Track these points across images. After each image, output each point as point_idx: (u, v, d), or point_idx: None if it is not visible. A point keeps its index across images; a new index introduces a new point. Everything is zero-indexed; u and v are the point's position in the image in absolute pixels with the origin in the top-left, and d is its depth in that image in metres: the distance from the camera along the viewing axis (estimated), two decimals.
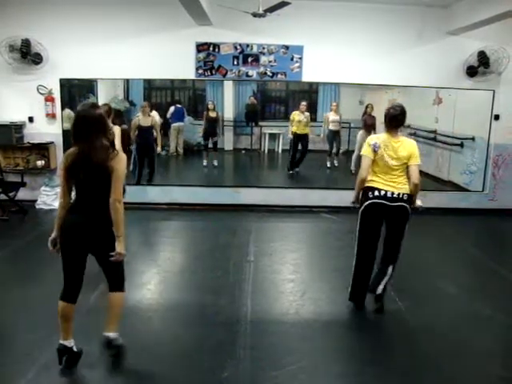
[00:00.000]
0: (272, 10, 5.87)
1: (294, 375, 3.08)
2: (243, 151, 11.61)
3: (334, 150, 9.98)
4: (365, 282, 4.03)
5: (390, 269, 3.99)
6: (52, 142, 7.38)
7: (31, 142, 7.28)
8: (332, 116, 9.70)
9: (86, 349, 3.19)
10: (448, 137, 8.41)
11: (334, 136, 9.83)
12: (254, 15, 5.92)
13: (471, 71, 7.27)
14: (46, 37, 6.99)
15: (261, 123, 11.56)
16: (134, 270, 4.57)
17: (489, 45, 7.09)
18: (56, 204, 7.21)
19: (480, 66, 7.17)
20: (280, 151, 11.61)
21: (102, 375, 3.06)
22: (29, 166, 7.24)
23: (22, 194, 7.01)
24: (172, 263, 5.28)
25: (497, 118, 7.52)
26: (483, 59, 7.10)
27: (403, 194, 3.79)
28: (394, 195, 3.78)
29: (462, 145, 8.21)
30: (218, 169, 9.79)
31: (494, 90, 7.42)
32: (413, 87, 7.70)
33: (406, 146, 3.81)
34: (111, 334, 3.06)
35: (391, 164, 3.79)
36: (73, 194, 3.00)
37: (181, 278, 4.87)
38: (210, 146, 9.82)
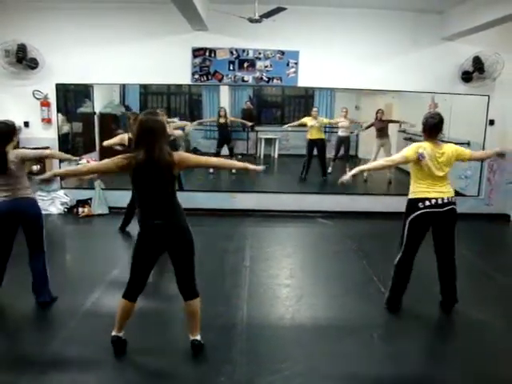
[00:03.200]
0: (268, 15, 5.90)
1: (290, 380, 3.07)
2: (239, 156, 11.59)
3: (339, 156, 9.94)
4: (403, 287, 4.10)
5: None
6: (48, 147, 7.31)
7: (27, 146, 7.23)
8: (341, 122, 9.69)
9: (83, 353, 3.19)
10: (443, 142, 8.41)
11: (341, 142, 9.80)
12: (250, 20, 5.94)
13: (466, 76, 7.31)
14: (41, 42, 6.98)
15: (257, 128, 11.55)
16: None
17: (483, 50, 7.13)
18: (52, 209, 7.24)
19: (475, 72, 7.21)
20: (276, 156, 11.61)
21: (99, 378, 3.06)
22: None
23: None
24: (168, 268, 5.25)
25: (492, 123, 7.55)
26: (478, 64, 7.14)
27: (451, 198, 3.93)
28: (444, 201, 3.89)
29: None
30: (215, 174, 9.76)
31: (488, 96, 7.46)
32: (408, 92, 7.73)
33: (447, 152, 3.93)
34: (198, 337, 3.29)
35: (437, 174, 3.88)
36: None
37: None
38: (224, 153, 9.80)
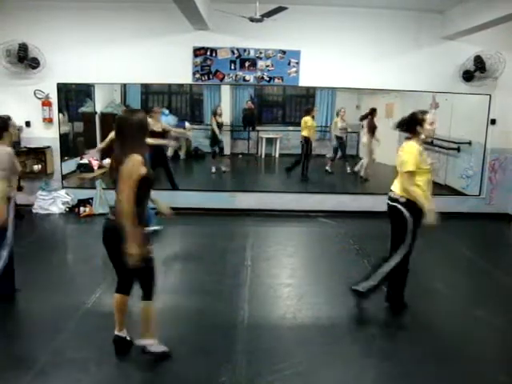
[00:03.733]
0: (269, 14, 5.89)
1: (291, 380, 3.07)
2: (240, 156, 11.60)
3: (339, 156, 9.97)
4: (396, 283, 4.08)
5: (383, 267, 3.99)
6: (49, 147, 7.37)
7: (28, 146, 7.27)
8: (340, 123, 9.67)
9: (85, 351, 3.20)
10: (445, 141, 8.43)
11: (339, 143, 9.81)
12: (251, 20, 5.94)
13: (468, 76, 7.29)
14: (43, 41, 6.99)
15: (258, 128, 11.56)
16: None
17: (485, 49, 7.12)
18: (53, 208, 7.25)
19: (476, 71, 7.20)
20: (277, 156, 11.61)
21: (100, 377, 3.06)
22: (25, 171, 7.21)
23: (19, 199, 6.96)
24: (169, 268, 5.26)
25: (493, 122, 7.54)
26: (479, 64, 7.13)
27: (397, 196, 3.88)
28: (391, 195, 3.94)
29: (458, 149, 8.23)
30: (215, 173, 9.77)
31: (490, 95, 7.45)
32: (409, 92, 7.72)
33: (402, 152, 3.87)
34: (143, 341, 3.20)
35: (398, 169, 3.91)
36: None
37: (178, 282, 4.85)
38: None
